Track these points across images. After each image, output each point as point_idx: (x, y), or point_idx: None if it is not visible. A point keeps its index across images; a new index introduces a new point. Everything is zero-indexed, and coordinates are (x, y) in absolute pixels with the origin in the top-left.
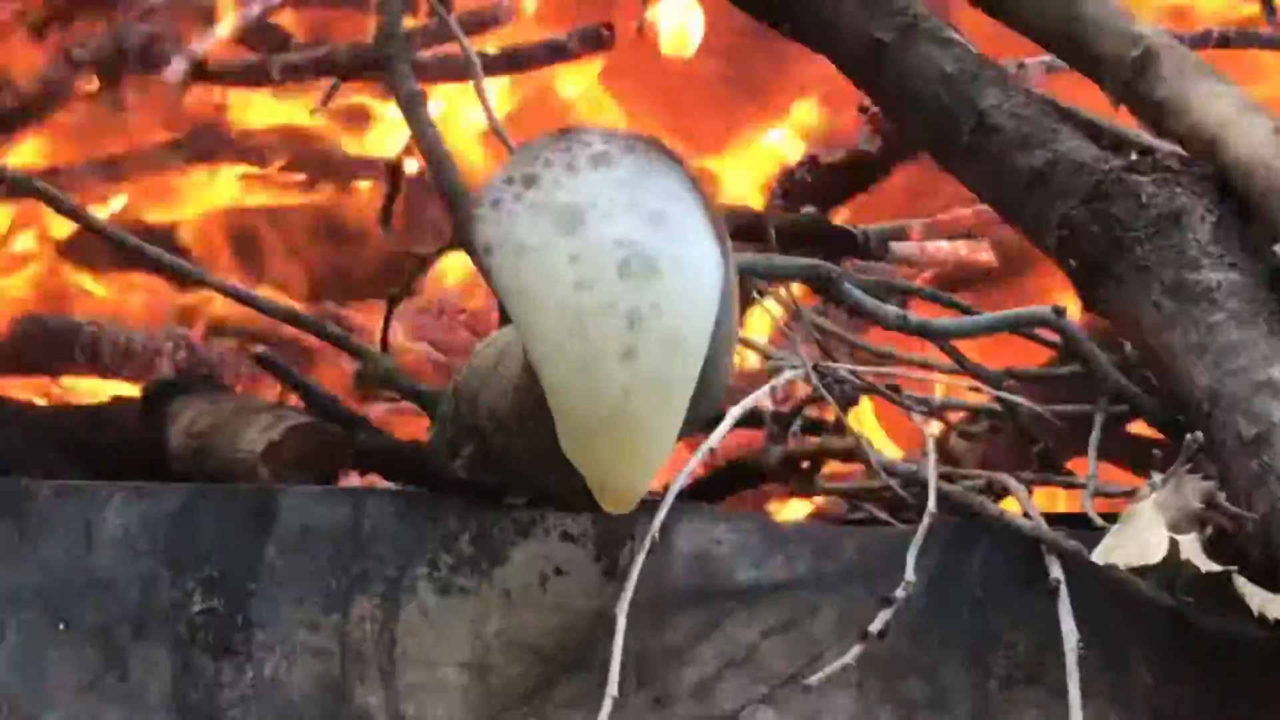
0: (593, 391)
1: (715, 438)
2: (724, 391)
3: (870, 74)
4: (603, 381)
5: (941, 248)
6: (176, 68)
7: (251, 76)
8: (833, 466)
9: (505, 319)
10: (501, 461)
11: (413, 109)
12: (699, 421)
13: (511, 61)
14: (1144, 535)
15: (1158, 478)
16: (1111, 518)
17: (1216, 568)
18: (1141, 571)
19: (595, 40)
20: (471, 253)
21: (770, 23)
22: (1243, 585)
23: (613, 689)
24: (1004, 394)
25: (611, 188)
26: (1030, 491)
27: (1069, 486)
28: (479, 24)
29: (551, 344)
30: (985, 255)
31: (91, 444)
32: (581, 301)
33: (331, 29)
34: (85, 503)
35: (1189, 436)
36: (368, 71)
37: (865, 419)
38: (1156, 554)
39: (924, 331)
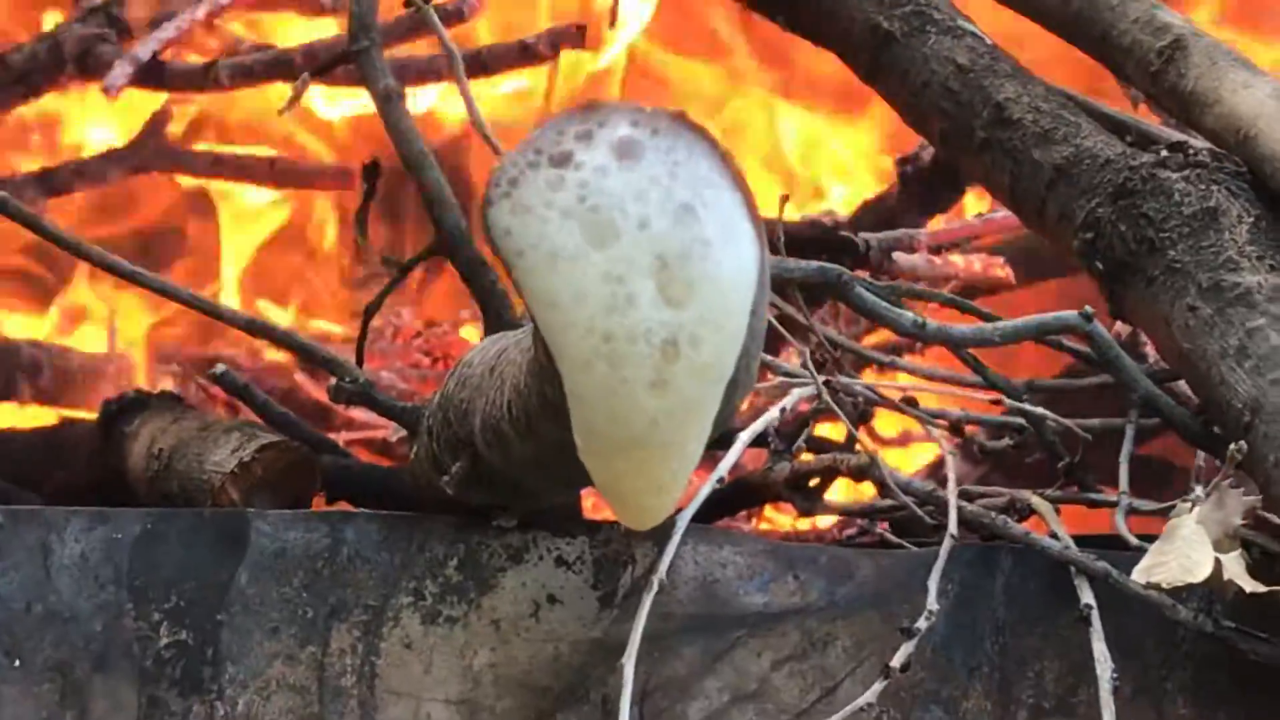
0: (620, 417)
1: (725, 465)
2: (751, 388)
3: (874, 65)
4: (631, 409)
5: (954, 261)
6: (119, 73)
7: (199, 81)
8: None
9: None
10: (494, 477)
11: (389, 105)
12: (724, 424)
13: (478, 63)
14: (1187, 552)
15: (1199, 491)
16: (1146, 538)
17: (1262, 588)
18: (1178, 594)
19: (567, 40)
20: (488, 240)
21: (769, 16)
22: None
23: None
24: (1028, 406)
25: (643, 183)
26: (1057, 510)
27: (1097, 505)
28: (442, 18)
29: (579, 363)
30: (1002, 271)
31: (45, 469)
32: (612, 326)
33: (282, 32)
34: (41, 528)
35: (1232, 447)
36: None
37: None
38: (1201, 572)
39: (943, 339)
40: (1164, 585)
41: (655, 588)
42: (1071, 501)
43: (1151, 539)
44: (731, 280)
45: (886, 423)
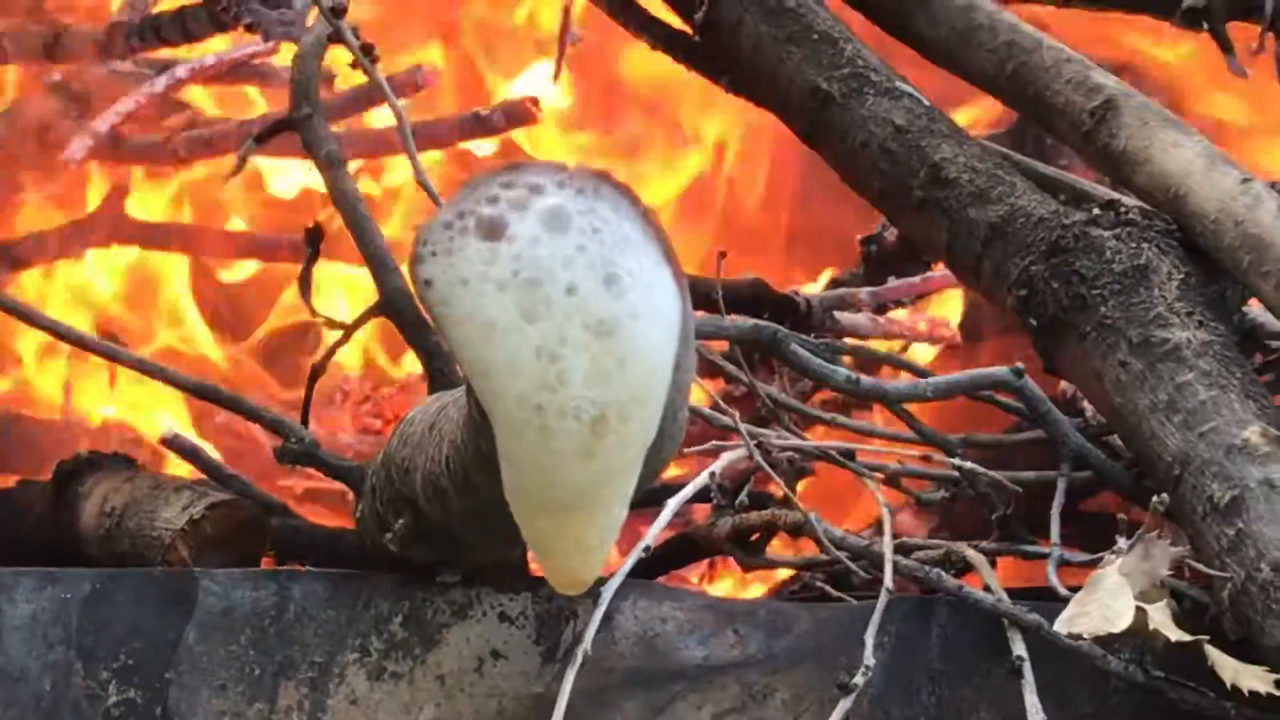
0: (548, 483)
1: (654, 530)
2: (681, 441)
3: (814, 126)
4: (559, 477)
5: (898, 319)
6: (78, 146)
7: (158, 153)
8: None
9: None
10: (435, 533)
11: (331, 170)
12: (654, 476)
13: (430, 134)
14: (1109, 603)
15: (1123, 543)
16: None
17: (1187, 637)
18: (1110, 645)
19: (519, 115)
20: (418, 296)
21: (711, 77)
22: (1215, 656)
23: None
24: (960, 461)
25: (570, 251)
26: (994, 563)
27: (1030, 557)
28: (397, 89)
29: (512, 429)
30: (947, 331)
31: None
32: (544, 401)
33: (239, 104)
34: None
35: (1155, 499)
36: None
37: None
38: (1122, 622)
39: (876, 394)
40: (1085, 635)
41: (579, 659)
42: (1005, 554)
43: None
44: (658, 346)
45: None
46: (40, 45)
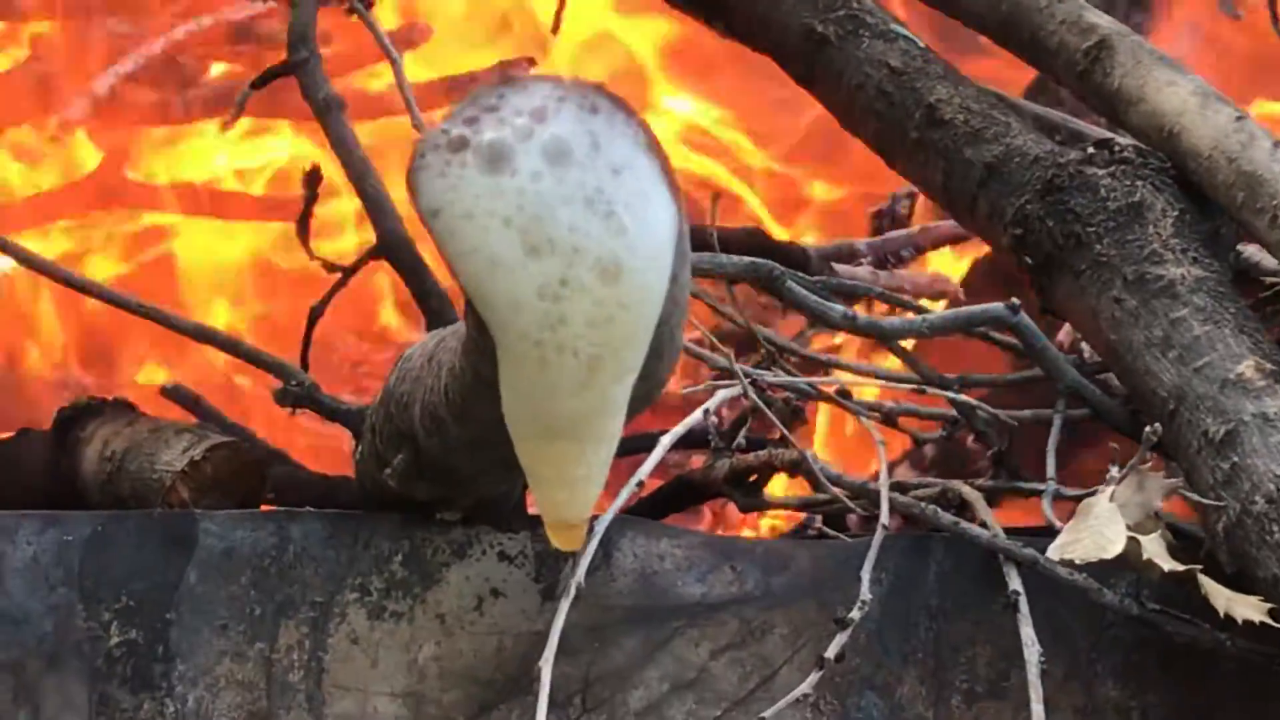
0: (543, 412)
1: (647, 468)
2: (677, 359)
3: (809, 69)
4: (554, 406)
5: (899, 274)
6: (77, 107)
7: (157, 114)
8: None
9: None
10: (434, 467)
11: (329, 115)
12: (653, 393)
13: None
14: (1101, 530)
15: (1115, 471)
16: None
17: (1180, 567)
18: (1105, 579)
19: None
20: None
21: (705, 22)
22: (1208, 585)
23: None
24: (960, 398)
25: (570, 188)
26: (999, 501)
27: (1026, 494)
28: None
29: (512, 358)
30: (949, 287)
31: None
32: (544, 338)
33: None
34: None
35: (1148, 429)
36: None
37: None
38: (1114, 548)
39: (873, 330)
40: (1078, 561)
41: (573, 592)
42: (1000, 490)
43: None
44: (656, 284)
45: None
46: None
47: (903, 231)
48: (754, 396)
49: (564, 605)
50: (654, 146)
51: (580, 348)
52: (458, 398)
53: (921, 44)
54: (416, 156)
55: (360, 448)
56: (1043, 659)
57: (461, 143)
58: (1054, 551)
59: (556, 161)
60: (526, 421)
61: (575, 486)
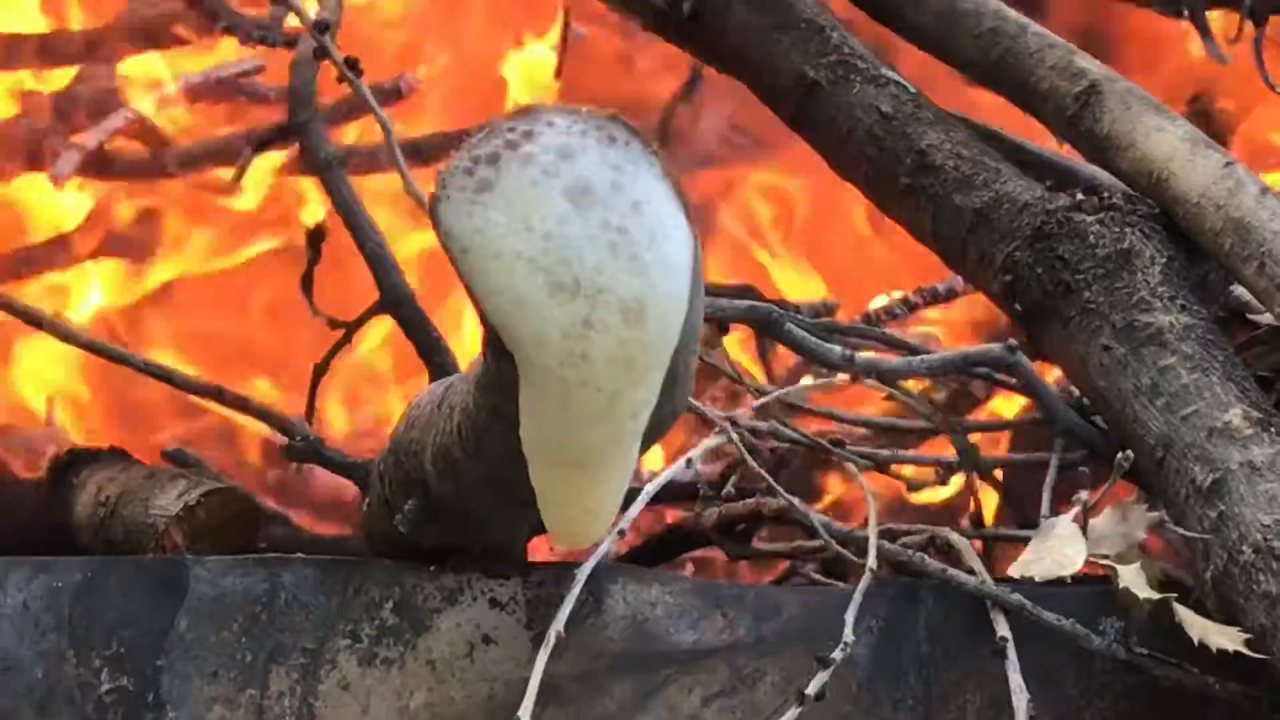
0: (562, 442)
1: (628, 519)
2: (690, 390)
3: (801, 112)
4: (573, 437)
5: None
6: (66, 162)
7: (146, 169)
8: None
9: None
10: (447, 510)
11: (330, 173)
12: (667, 424)
13: (413, 151)
14: (1061, 549)
15: (1083, 494)
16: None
17: (1155, 595)
18: (1094, 625)
19: None
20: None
21: (702, 60)
22: (1183, 614)
23: None
24: (961, 438)
25: (595, 228)
26: (991, 547)
27: (1017, 540)
28: (380, 98)
29: (533, 390)
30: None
31: None
32: (567, 375)
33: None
34: None
35: (1119, 456)
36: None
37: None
38: (1074, 566)
39: (870, 371)
40: (1037, 579)
41: (553, 640)
42: (990, 537)
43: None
44: (674, 317)
45: None
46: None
47: (900, 291)
48: (739, 444)
49: (543, 655)
50: (668, 172)
51: (602, 384)
52: (471, 435)
53: (913, 89)
54: (439, 189)
55: (367, 499)
56: (1031, 706)
57: (486, 185)
58: (1016, 570)
59: (580, 203)
60: (545, 449)
61: (589, 513)
